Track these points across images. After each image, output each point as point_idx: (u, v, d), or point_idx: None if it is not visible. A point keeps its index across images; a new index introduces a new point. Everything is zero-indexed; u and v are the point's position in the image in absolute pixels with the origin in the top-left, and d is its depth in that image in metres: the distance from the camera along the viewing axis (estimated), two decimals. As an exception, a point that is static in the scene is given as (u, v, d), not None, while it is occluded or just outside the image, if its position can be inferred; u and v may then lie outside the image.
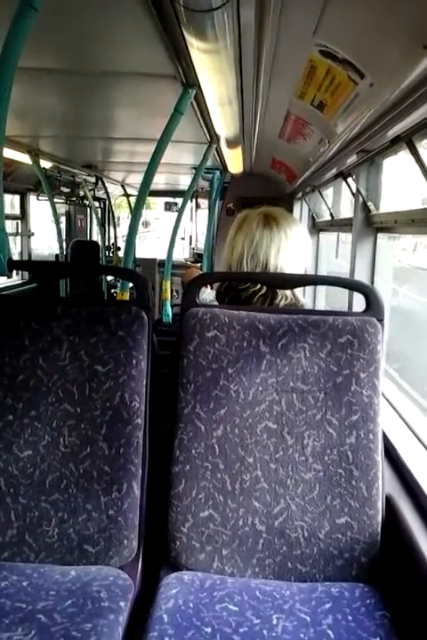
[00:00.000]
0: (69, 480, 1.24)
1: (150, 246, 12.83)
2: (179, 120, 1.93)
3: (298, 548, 1.21)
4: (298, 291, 1.40)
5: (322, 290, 4.07)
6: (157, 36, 1.40)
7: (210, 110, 2.14)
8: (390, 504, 1.24)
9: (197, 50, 1.38)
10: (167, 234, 3.94)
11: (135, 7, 1.23)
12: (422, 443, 1.60)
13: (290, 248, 1.37)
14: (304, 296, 1.47)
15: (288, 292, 1.36)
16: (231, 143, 2.93)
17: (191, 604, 1.09)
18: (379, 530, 1.21)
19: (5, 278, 4.29)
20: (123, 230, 6.44)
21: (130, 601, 1.13)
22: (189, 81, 1.79)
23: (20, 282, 4.87)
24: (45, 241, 5.87)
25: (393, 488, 1.32)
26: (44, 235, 5.75)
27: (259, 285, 1.36)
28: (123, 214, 10.61)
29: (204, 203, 6.89)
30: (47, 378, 1.27)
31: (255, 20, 1.31)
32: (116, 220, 6.40)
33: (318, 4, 1.23)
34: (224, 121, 2.32)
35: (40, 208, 5.34)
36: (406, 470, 1.38)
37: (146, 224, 15.14)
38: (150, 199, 10.43)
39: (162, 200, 7.73)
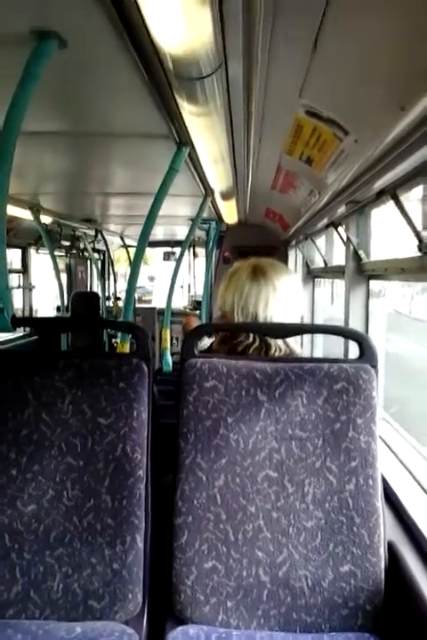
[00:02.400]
0: (73, 534, 1.23)
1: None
2: (174, 176, 2.00)
3: (302, 597, 1.19)
4: (294, 340, 1.40)
5: (319, 336, 4.09)
6: (150, 100, 1.47)
7: (204, 166, 2.22)
8: (392, 550, 1.23)
9: (189, 112, 1.44)
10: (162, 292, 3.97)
11: (130, 74, 1.29)
12: (422, 487, 1.59)
13: (279, 300, 1.36)
14: (301, 345, 1.49)
15: (281, 344, 1.36)
16: (226, 196, 3.01)
17: None
18: (382, 577, 1.19)
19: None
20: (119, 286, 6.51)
21: None
22: (182, 140, 1.86)
23: (22, 334, 4.89)
24: (48, 293, 5.95)
25: (395, 534, 1.31)
26: (45, 287, 5.83)
27: (252, 339, 1.36)
28: (120, 269, 10.64)
29: (201, 252, 6.99)
30: (50, 431, 1.27)
31: (243, 85, 1.39)
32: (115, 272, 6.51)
33: (303, 68, 1.31)
34: (218, 176, 2.40)
35: (41, 262, 5.43)
36: (407, 516, 1.37)
37: (151, 278, 15.42)
38: (148, 255, 10.52)
39: (159, 255, 7.86)
